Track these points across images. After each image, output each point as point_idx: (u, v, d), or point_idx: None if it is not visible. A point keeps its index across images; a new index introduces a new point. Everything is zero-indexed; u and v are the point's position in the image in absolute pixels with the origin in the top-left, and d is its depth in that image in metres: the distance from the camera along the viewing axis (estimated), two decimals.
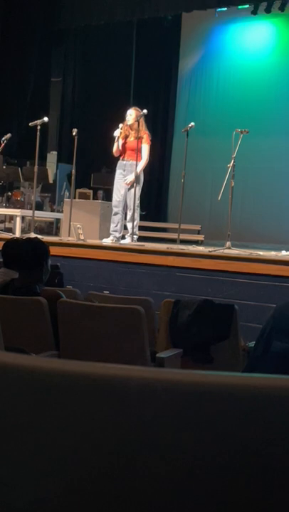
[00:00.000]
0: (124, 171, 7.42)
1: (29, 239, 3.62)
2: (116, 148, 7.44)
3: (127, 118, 7.45)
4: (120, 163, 7.50)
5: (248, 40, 12.08)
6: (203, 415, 0.66)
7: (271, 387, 0.65)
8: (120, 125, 7.45)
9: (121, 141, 7.40)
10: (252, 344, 2.69)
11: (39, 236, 6.97)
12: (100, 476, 0.69)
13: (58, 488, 0.71)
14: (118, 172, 7.51)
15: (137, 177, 7.27)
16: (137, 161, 7.20)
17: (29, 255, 3.26)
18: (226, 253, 6.28)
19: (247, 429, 0.65)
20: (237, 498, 0.65)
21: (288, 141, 11.29)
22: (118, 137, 7.41)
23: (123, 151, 7.46)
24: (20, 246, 3.34)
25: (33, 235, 7.14)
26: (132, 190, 7.21)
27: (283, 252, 7.11)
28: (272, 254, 6.87)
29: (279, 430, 0.64)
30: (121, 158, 7.50)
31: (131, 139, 7.34)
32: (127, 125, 7.42)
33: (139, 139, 7.33)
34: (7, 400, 0.72)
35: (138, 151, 7.29)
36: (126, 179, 7.32)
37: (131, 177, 7.25)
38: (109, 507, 0.69)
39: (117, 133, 7.42)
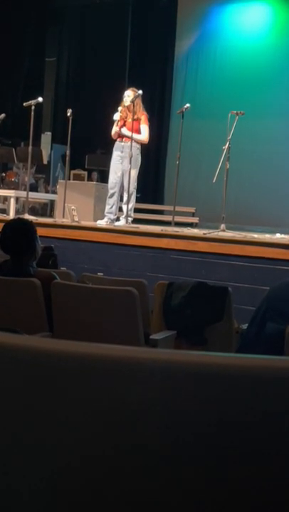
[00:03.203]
0: (121, 152, 7.36)
1: (14, 221, 3.55)
2: (114, 131, 7.38)
3: (124, 99, 7.37)
4: (118, 144, 7.43)
5: (245, 21, 11.98)
6: (197, 395, 0.66)
7: (266, 368, 0.65)
8: (119, 108, 7.39)
9: (120, 124, 7.33)
10: (245, 326, 2.69)
11: (33, 217, 6.97)
12: (93, 455, 0.69)
13: (50, 469, 0.71)
14: (115, 154, 7.44)
15: (135, 159, 7.21)
16: (132, 143, 7.15)
17: (20, 239, 3.24)
18: (221, 235, 6.28)
19: (241, 408, 0.65)
20: (233, 476, 0.65)
21: (284, 123, 11.24)
22: (117, 121, 7.34)
23: (122, 134, 7.39)
24: (12, 230, 3.31)
25: (27, 216, 7.11)
26: (130, 172, 7.16)
27: (278, 235, 7.11)
28: (266, 236, 6.88)
29: (273, 410, 0.64)
30: (118, 139, 7.43)
31: (129, 120, 7.27)
32: (124, 107, 7.36)
33: (136, 120, 7.27)
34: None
35: (137, 132, 7.24)
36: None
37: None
38: (102, 489, 0.69)
39: (116, 116, 7.35)
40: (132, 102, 7.18)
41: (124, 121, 7.35)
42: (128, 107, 7.30)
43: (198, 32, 12.43)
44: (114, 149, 7.48)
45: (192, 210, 11.28)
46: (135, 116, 7.23)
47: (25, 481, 0.71)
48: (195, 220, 10.87)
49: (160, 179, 12.61)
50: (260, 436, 0.65)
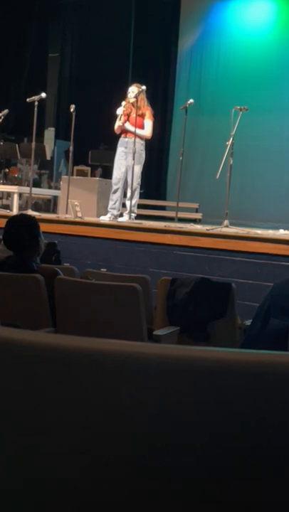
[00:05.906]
0: (125, 148, 7.34)
1: (18, 217, 3.54)
2: (117, 126, 7.37)
3: (128, 95, 7.36)
4: (122, 140, 7.41)
5: (249, 17, 11.94)
6: (199, 390, 0.65)
7: (269, 363, 0.64)
8: (123, 103, 7.38)
9: (123, 118, 7.32)
10: (248, 322, 2.69)
11: (36, 213, 6.97)
12: (95, 453, 0.69)
13: (50, 468, 0.70)
14: (120, 149, 7.43)
15: (139, 155, 7.20)
16: (136, 138, 7.14)
17: (23, 234, 3.24)
18: (224, 231, 6.27)
19: (245, 404, 0.64)
20: (238, 475, 0.65)
21: (287, 118, 11.22)
22: (120, 115, 7.33)
23: (125, 128, 7.38)
24: (15, 225, 3.31)
25: (30, 211, 7.12)
26: (133, 168, 7.14)
27: (281, 231, 7.10)
28: (269, 232, 6.87)
29: (277, 405, 0.64)
30: (123, 135, 7.42)
31: (133, 115, 7.26)
32: (129, 102, 7.34)
33: (141, 115, 7.26)
34: (2, 374, 0.71)
35: (140, 127, 7.23)
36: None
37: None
38: (102, 488, 0.69)
39: (119, 111, 7.34)
40: (136, 97, 7.17)
41: (128, 117, 7.33)
42: (132, 103, 7.29)
43: (201, 28, 12.40)
44: (118, 145, 7.47)
45: (195, 206, 11.26)
46: (139, 112, 7.22)
47: (23, 481, 0.71)
48: (198, 216, 10.86)
49: (163, 175, 12.59)
50: (263, 432, 0.65)
